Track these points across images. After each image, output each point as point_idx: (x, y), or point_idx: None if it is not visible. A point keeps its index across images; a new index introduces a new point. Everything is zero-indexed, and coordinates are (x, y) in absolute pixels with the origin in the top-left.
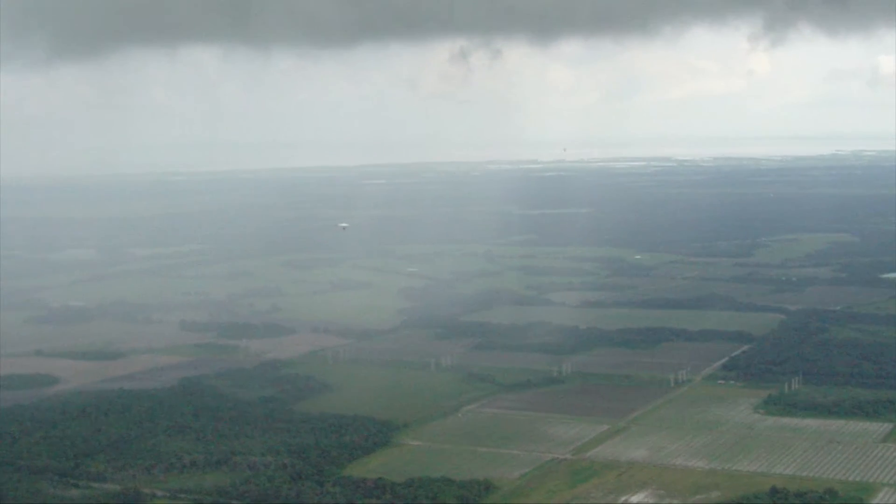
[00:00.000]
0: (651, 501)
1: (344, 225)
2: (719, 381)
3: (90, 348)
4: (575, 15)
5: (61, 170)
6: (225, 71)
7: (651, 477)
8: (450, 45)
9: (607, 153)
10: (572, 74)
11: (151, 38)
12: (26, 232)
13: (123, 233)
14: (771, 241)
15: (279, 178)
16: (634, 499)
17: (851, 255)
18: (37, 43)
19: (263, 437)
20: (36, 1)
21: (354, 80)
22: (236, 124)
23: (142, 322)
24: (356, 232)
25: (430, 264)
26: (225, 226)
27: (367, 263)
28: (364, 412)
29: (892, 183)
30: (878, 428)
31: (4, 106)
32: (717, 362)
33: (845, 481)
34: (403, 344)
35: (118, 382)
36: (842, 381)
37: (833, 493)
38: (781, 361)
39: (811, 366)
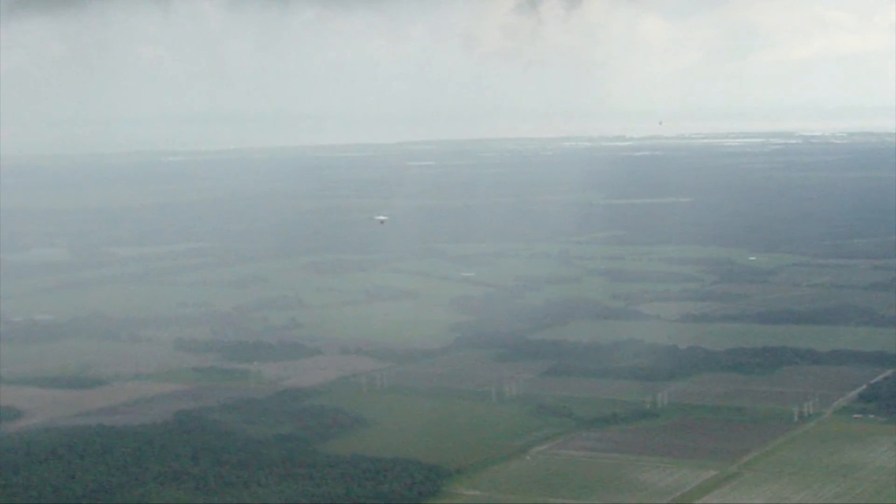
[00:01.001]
0: None
1: (382, 218)
2: (855, 416)
3: (62, 373)
4: None
5: (25, 148)
6: (231, 25)
7: None
8: None
9: (714, 127)
10: (670, 29)
11: None
12: None
13: (103, 228)
14: None
15: (300, 159)
16: None
17: None
18: None
19: (280, 485)
20: None
21: (394, 36)
22: (246, 92)
23: (126, 340)
24: (397, 227)
25: (491, 268)
26: (231, 219)
27: (411, 266)
28: (407, 454)
29: None
30: None
31: None
32: (853, 391)
33: None
34: (456, 368)
35: (97, 417)
36: None
37: None
38: None
39: None
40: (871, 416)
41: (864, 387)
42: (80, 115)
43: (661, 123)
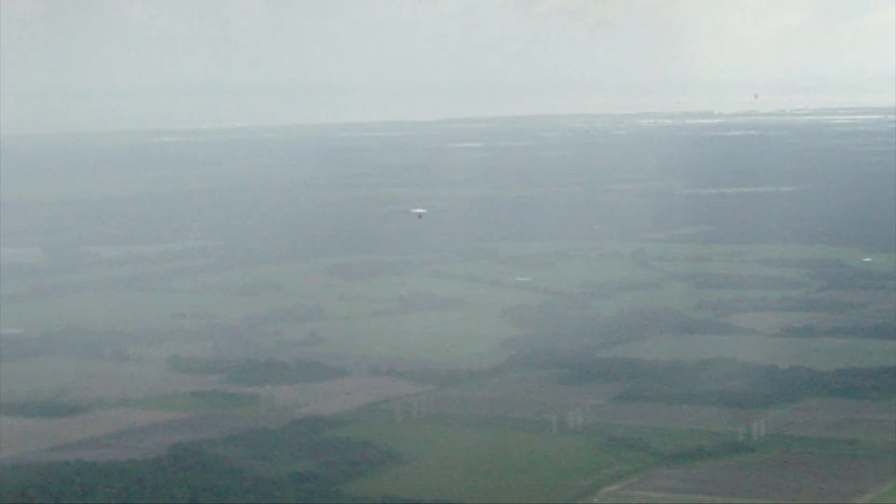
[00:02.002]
0: None
1: (420, 211)
2: None
3: (33, 398)
4: None
5: None
6: None
7: None
8: None
9: (821, 101)
10: None
11: None
12: None
13: (84, 223)
14: None
15: (320, 139)
16: None
17: None
18: None
19: None
20: None
21: None
22: (256, 59)
23: (111, 359)
24: (438, 222)
25: (551, 271)
26: (239, 212)
27: (456, 270)
28: (450, 496)
29: None
30: None
31: None
32: None
33: None
34: (509, 392)
35: (76, 451)
36: None
37: None
38: None
39: None
40: None
41: None
42: (55, 86)
43: (756, 97)
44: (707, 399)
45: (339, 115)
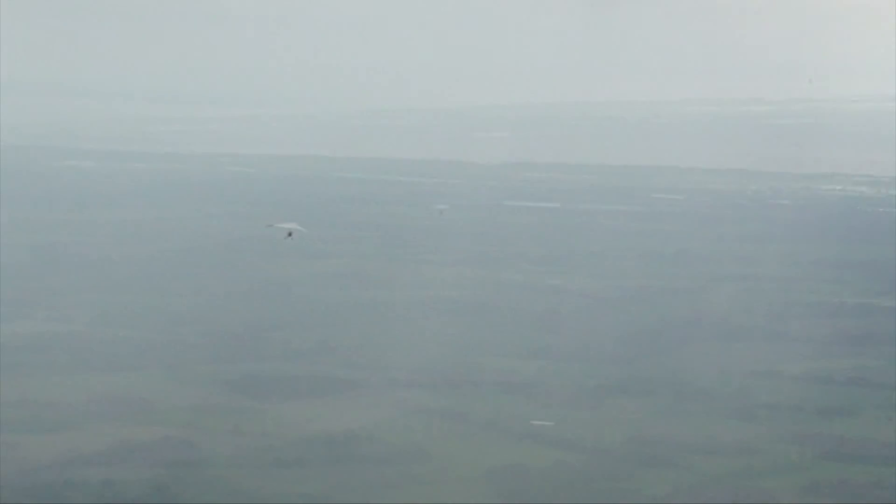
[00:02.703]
0: None
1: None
2: None
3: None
4: None
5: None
6: None
7: None
8: None
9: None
10: None
11: None
12: None
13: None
14: None
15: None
16: None
17: None
18: None
19: None
20: None
21: None
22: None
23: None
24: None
25: (587, 414)
26: (137, 271)
27: (432, 398)
28: None
29: None
30: None
31: None
32: None
33: None
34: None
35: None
36: None
37: None
38: None
39: None
40: None
41: None
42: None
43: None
44: None
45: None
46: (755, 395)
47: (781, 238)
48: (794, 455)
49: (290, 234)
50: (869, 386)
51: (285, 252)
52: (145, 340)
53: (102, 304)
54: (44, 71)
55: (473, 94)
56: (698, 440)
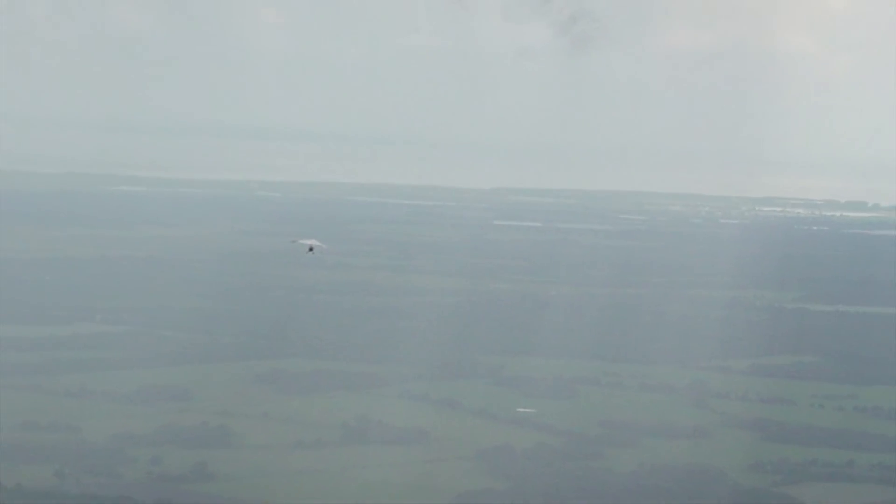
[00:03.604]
0: None
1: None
2: None
3: None
4: None
5: None
6: None
7: None
8: None
9: None
10: None
11: None
12: None
13: None
14: None
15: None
16: None
17: None
18: None
19: None
20: None
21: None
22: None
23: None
24: (432, 321)
25: (566, 402)
26: (176, 289)
27: (433, 390)
28: None
29: None
30: None
31: None
32: None
33: None
34: None
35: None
36: None
37: None
38: None
39: None
40: None
41: None
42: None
43: None
44: None
45: (376, 174)
46: (707, 387)
47: (730, 253)
48: (741, 437)
49: (311, 249)
50: (804, 379)
51: (307, 264)
52: (186, 339)
53: (150, 308)
54: (102, 109)
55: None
56: (659, 424)
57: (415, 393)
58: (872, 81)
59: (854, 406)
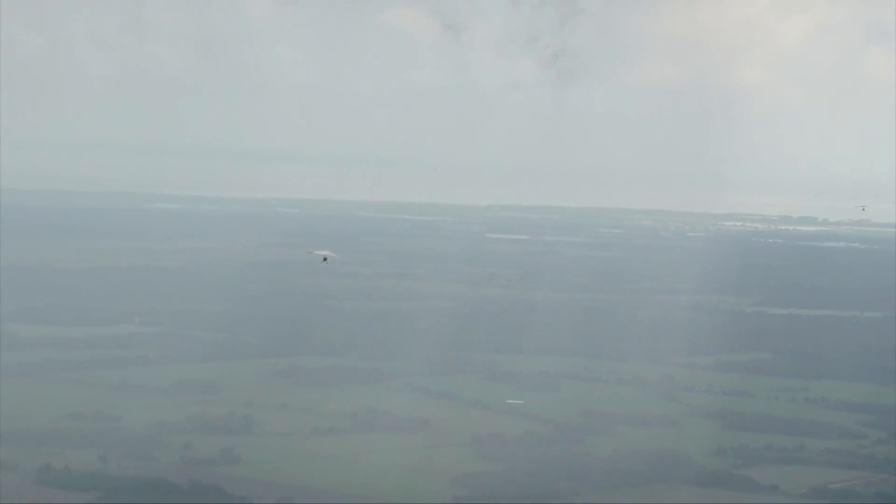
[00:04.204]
0: None
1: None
2: None
3: None
4: None
5: None
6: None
7: None
8: None
9: None
10: None
11: None
12: None
13: (14, 295)
14: None
15: (341, 218)
16: None
17: None
18: None
19: None
20: None
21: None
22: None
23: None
24: (431, 323)
25: (550, 395)
26: (206, 295)
27: (433, 384)
28: None
29: None
30: None
31: None
32: None
33: None
34: None
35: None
36: None
37: None
38: None
39: None
40: None
41: None
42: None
43: (863, 209)
44: None
45: (383, 193)
46: (675, 381)
47: (695, 262)
48: (705, 426)
49: (325, 259)
50: (763, 373)
51: (321, 272)
52: (214, 338)
53: (182, 311)
54: (139, 135)
55: (464, 153)
56: (632, 414)
57: (417, 386)
58: (820, 111)
59: (805, 398)
